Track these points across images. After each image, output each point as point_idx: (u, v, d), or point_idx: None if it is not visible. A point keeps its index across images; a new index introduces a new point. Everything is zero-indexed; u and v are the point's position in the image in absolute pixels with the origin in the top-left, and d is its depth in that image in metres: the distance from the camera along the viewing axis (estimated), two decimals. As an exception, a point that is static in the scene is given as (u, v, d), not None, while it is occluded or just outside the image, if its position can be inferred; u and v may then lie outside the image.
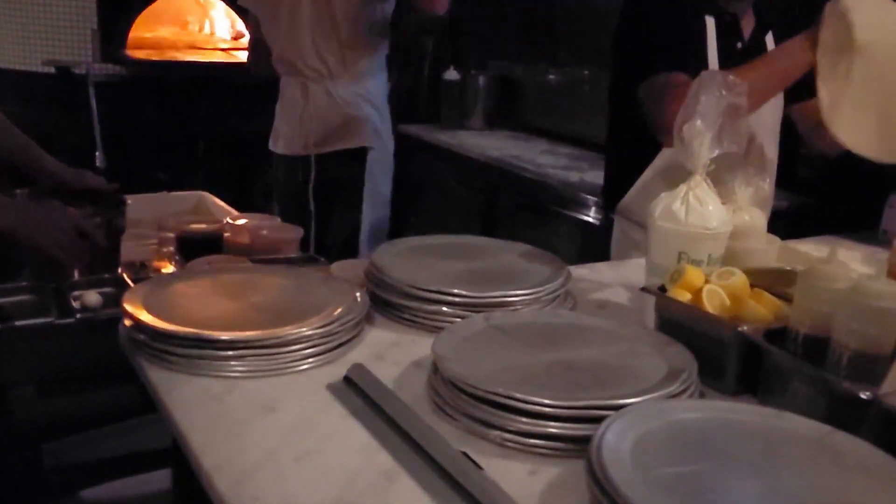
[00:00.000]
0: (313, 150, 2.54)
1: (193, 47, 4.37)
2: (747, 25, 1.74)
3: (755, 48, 1.74)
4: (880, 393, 0.84)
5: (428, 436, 0.87)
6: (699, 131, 1.17)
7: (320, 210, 2.59)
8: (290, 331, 1.05)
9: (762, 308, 1.06)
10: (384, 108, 2.60)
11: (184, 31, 4.55)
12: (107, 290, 1.46)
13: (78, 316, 1.38)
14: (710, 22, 1.67)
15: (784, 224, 1.68)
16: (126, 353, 1.11)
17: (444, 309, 1.17)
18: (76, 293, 1.44)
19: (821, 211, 2.29)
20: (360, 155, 2.54)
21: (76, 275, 1.55)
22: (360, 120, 2.51)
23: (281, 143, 2.63)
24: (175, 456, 1.27)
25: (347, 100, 2.50)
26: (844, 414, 0.87)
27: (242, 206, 2.22)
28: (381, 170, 2.60)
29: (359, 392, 0.98)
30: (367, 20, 2.48)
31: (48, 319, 1.37)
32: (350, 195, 2.56)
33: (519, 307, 1.19)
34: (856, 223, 1.94)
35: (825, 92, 1.44)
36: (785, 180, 1.85)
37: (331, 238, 2.62)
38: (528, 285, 1.22)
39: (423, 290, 1.18)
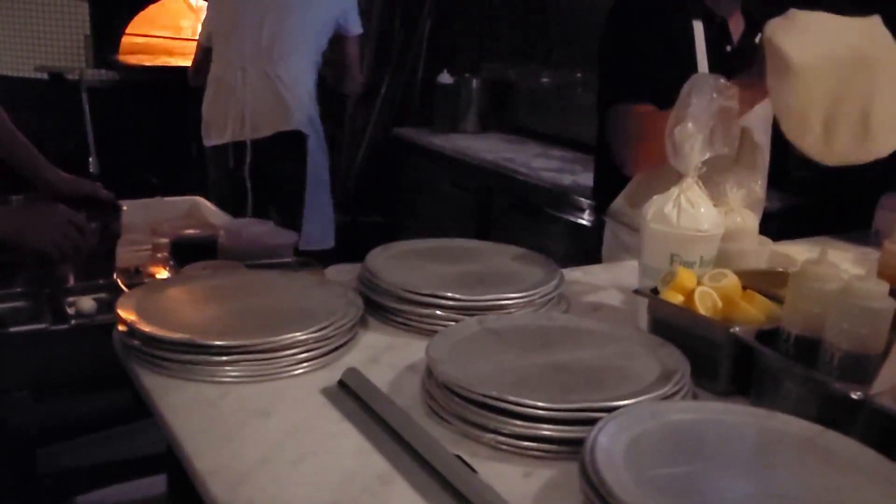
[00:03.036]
0: (249, 135, 2.67)
1: (186, 52, 4.37)
2: (736, 28, 1.74)
3: (745, 50, 1.75)
4: (871, 393, 0.85)
5: (422, 439, 0.87)
6: (690, 134, 1.18)
7: (255, 198, 2.72)
8: (285, 336, 1.05)
9: (754, 309, 1.07)
10: (314, 102, 2.78)
11: (176, 35, 4.54)
12: (101, 295, 1.46)
13: (73, 322, 1.38)
14: (699, 26, 1.67)
15: (776, 225, 1.69)
16: (120, 359, 1.11)
17: (438, 312, 1.18)
18: (71, 299, 1.44)
19: (813, 212, 2.30)
20: (298, 142, 2.69)
21: (70, 280, 1.55)
22: (296, 105, 2.68)
23: (213, 133, 2.76)
24: (170, 461, 1.27)
25: (285, 84, 2.67)
26: (836, 414, 0.87)
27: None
28: (319, 159, 2.76)
29: (353, 396, 0.98)
30: (308, 27, 2.69)
31: (43, 325, 1.37)
32: (290, 183, 2.71)
33: (513, 310, 1.20)
34: (848, 224, 1.95)
35: (785, 121, 1.44)
36: (777, 181, 1.86)
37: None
38: (522, 288, 1.23)
39: (417, 293, 1.18)
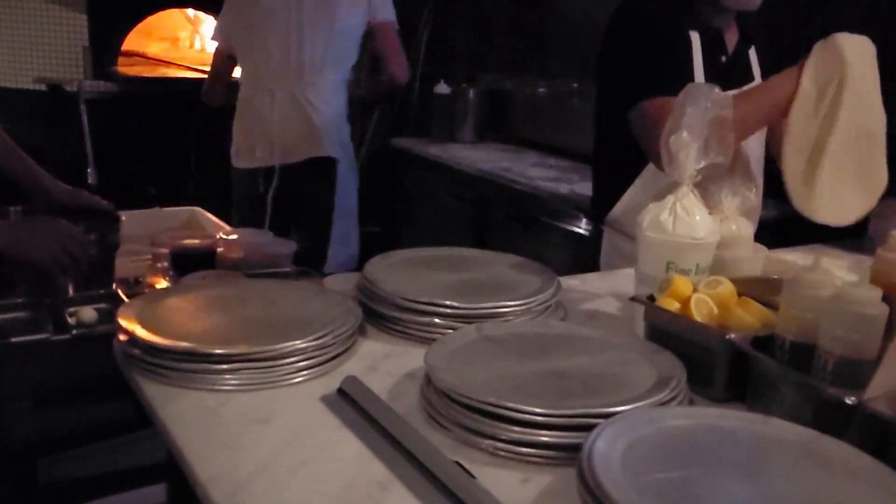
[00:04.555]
0: (279, 161, 2.58)
1: (184, 63, 4.39)
2: (731, 39, 1.76)
3: (739, 62, 1.77)
4: (865, 398, 0.86)
5: (421, 446, 0.88)
6: (685, 143, 1.19)
7: (278, 220, 2.62)
8: (284, 344, 1.06)
9: (749, 316, 1.08)
10: (346, 122, 2.67)
11: (174, 47, 4.57)
12: (102, 305, 1.47)
13: (73, 332, 1.39)
14: (695, 37, 1.69)
15: (771, 233, 1.70)
16: (121, 368, 1.12)
17: (437, 320, 1.18)
18: (71, 309, 1.45)
19: (808, 220, 2.31)
20: (327, 165, 2.59)
21: (70, 290, 1.56)
22: (326, 129, 2.58)
23: (244, 157, 2.66)
24: (170, 470, 1.27)
25: (314, 108, 2.57)
26: (831, 419, 0.88)
27: (232, 221, 2.23)
28: (349, 181, 2.67)
29: (352, 404, 0.99)
30: (345, 40, 2.58)
31: (44, 335, 1.38)
32: (317, 206, 2.62)
33: (510, 318, 1.21)
34: (842, 232, 1.96)
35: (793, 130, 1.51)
36: (773, 190, 1.87)
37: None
38: (519, 296, 1.23)
39: (416, 301, 1.19)
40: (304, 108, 2.57)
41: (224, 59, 2.74)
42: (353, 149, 2.71)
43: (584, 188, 2.59)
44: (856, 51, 1.49)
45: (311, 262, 2.33)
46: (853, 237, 1.91)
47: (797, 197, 1.53)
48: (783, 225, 2.25)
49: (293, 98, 2.58)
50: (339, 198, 2.63)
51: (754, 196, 1.35)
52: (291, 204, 2.64)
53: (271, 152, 2.59)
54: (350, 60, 2.66)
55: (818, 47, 1.51)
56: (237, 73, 2.79)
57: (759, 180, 1.79)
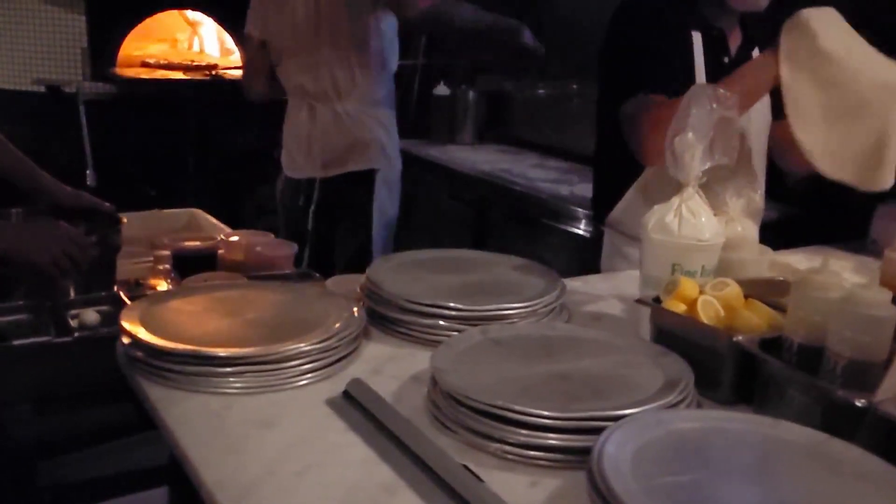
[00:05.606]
0: (320, 174, 2.53)
1: (183, 65, 4.38)
2: (734, 40, 1.76)
3: (742, 63, 1.76)
4: (875, 400, 0.85)
5: (428, 449, 0.87)
6: (691, 144, 1.19)
7: (320, 232, 2.57)
8: (289, 346, 1.05)
9: (756, 318, 1.08)
10: (392, 127, 2.59)
11: (173, 48, 4.56)
12: (104, 308, 1.46)
13: (76, 334, 1.38)
14: (697, 37, 1.69)
15: (773, 235, 1.69)
16: (124, 371, 1.11)
17: (441, 323, 1.18)
18: (73, 312, 1.44)
19: (810, 221, 2.31)
20: (367, 176, 2.53)
21: (72, 293, 1.55)
22: (367, 141, 2.50)
23: (290, 165, 2.62)
24: (171, 473, 1.27)
25: (355, 120, 2.49)
26: (840, 421, 0.88)
27: (233, 223, 2.22)
28: (388, 191, 2.58)
29: (358, 407, 0.98)
30: (377, 44, 2.48)
31: (46, 338, 1.37)
32: (357, 217, 2.55)
33: (515, 320, 1.20)
34: (845, 233, 1.96)
35: (793, 109, 1.46)
36: (773, 191, 1.87)
37: (336, 260, 2.61)
38: (524, 298, 1.23)
39: (420, 304, 1.19)
40: (344, 122, 2.49)
41: (258, 51, 2.59)
42: (398, 156, 2.61)
43: (584, 189, 2.59)
44: (822, 19, 1.47)
45: (353, 271, 2.29)
46: (855, 239, 1.91)
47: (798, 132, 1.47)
48: (784, 227, 2.26)
49: (333, 112, 2.49)
50: (378, 208, 2.54)
51: (759, 197, 1.35)
52: (332, 215, 2.58)
53: (312, 165, 2.53)
54: (388, 64, 2.55)
55: (786, 27, 1.50)
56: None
57: (762, 180, 1.79)
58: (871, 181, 1.44)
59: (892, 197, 1.83)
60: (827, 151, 1.45)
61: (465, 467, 0.84)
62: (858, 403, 0.86)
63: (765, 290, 1.15)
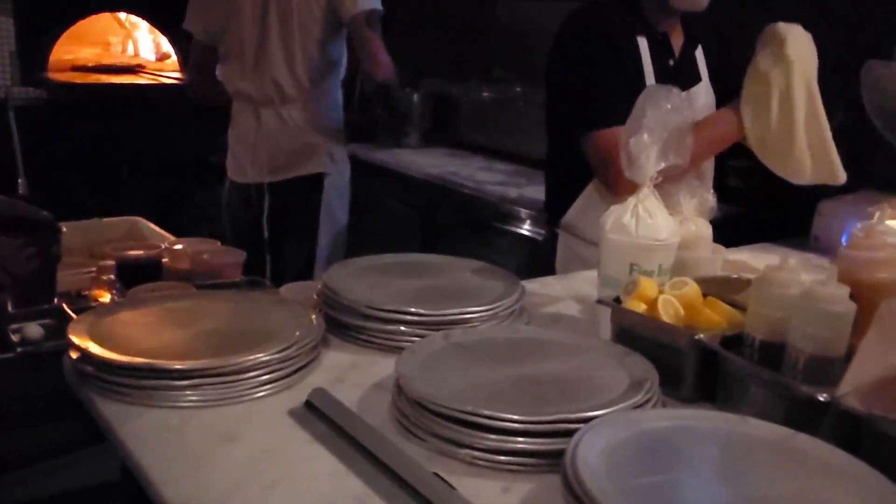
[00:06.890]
0: (267, 178, 2.49)
1: (116, 69, 4.27)
2: (676, 42, 1.78)
3: (686, 64, 1.79)
4: (837, 395, 0.87)
5: (398, 458, 0.86)
6: (646, 145, 1.20)
7: (274, 239, 2.53)
8: (247, 357, 1.02)
9: (716, 316, 1.09)
10: (339, 133, 2.56)
11: (106, 52, 4.44)
12: (46, 321, 1.40)
13: (18, 350, 1.32)
14: (643, 42, 1.71)
15: (718, 233, 1.72)
16: (72, 386, 1.06)
17: (403, 328, 1.16)
18: (14, 326, 1.38)
19: (752, 219, 2.36)
20: (316, 181, 2.49)
21: (9, 307, 1.48)
22: (314, 146, 2.46)
23: (236, 170, 2.56)
24: (125, 489, 1.22)
25: (301, 125, 2.45)
26: (803, 416, 0.89)
27: (174, 231, 2.15)
28: (338, 196, 2.55)
29: (322, 417, 0.96)
30: (325, 49, 2.45)
31: (-14, 355, 1.30)
32: (306, 222, 2.51)
33: (476, 324, 1.19)
34: (787, 230, 2.00)
35: (760, 149, 1.66)
36: (717, 190, 1.90)
37: (285, 267, 2.56)
38: (485, 301, 1.22)
39: (381, 310, 1.17)
40: (289, 126, 2.44)
41: (202, 50, 2.53)
42: (347, 161, 2.59)
43: (533, 192, 2.60)
44: (798, 43, 1.60)
45: (300, 277, 2.25)
46: (797, 236, 1.95)
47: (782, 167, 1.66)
48: (728, 225, 2.30)
49: (279, 117, 2.44)
50: (327, 213, 2.51)
51: (711, 197, 1.36)
52: (283, 221, 2.53)
53: (259, 171, 2.48)
54: (335, 67, 2.50)
55: (764, 38, 1.63)
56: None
57: (710, 179, 1.82)
58: (831, 178, 1.64)
59: (833, 194, 1.88)
60: (790, 168, 1.64)
61: (436, 475, 0.82)
62: (821, 398, 0.88)
63: (722, 288, 1.17)
